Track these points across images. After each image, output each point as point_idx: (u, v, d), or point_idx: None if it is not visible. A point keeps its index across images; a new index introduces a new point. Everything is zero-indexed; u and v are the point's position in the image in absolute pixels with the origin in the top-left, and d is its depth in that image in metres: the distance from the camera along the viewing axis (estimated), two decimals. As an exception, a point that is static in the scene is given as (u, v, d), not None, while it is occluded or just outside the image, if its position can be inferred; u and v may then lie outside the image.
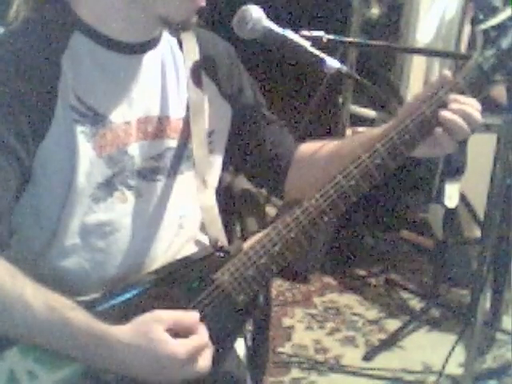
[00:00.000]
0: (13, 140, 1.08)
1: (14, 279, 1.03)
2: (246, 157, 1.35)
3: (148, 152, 1.19)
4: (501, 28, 1.11)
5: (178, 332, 1.05)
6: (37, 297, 1.03)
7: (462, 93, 1.13)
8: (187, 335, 1.06)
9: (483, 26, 1.12)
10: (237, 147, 1.34)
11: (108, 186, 1.16)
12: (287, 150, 1.34)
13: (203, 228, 1.29)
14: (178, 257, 1.23)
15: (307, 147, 1.35)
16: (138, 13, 1.13)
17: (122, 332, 1.04)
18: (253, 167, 1.36)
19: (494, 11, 1.11)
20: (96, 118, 1.14)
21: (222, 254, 1.18)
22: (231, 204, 1.52)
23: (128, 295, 1.14)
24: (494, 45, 1.12)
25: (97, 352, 1.03)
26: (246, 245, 1.17)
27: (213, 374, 1.13)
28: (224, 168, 1.36)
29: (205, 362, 1.06)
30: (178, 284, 1.15)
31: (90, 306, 1.09)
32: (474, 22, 1.11)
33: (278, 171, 1.34)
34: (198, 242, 1.30)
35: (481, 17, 1.11)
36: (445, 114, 1.12)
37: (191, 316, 1.08)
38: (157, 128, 1.20)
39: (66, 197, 1.13)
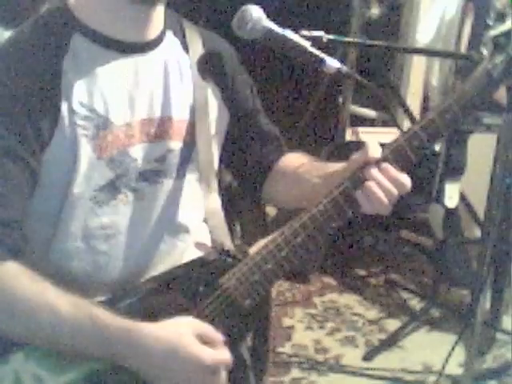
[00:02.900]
0: (20, 147, 1.08)
1: (35, 283, 1.04)
2: (231, 159, 1.36)
3: (151, 154, 1.19)
4: (510, 34, 1.12)
5: (204, 342, 1.07)
6: (60, 297, 1.03)
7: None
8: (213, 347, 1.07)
9: (493, 33, 1.12)
10: (226, 148, 1.34)
11: (111, 189, 1.15)
12: (268, 158, 1.35)
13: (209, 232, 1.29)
14: (182, 259, 1.23)
15: (291, 160, 1.35)
16: (114, 2, 1.13)
17: (151, 328, 1.04)
18: (235, 169, 1.39)
19: (502, 17, 1.12)
20: (97, 120, 1.13)
21: (228, 259, 1.18)
22: (231, 204, 1.52)
23: (133, 299, 1.14)
24: (503, 51, 1.12)
25: (124, 346, 1.03)
26: (253, 250, 1.17)
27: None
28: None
29: (223, 379, 1.08)
30: (184, 288, 1.15)
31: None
32: (479, 25, 1.12)
33: (255, 178, 1.36)
34: (203, 246, 1.30)
35: (490, 23, 1.11)
36: (360, 195, 1.11)
37: (218, 335, 1.09)
38: (159, 129, 1.20)
39: (65, 199, 1.13)
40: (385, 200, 1.09)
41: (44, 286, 1.04)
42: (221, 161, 1.37)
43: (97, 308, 1.04)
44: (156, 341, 1.03)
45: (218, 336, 1.09)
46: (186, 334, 1.05)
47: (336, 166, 1.21)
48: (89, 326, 1.02)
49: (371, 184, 1.09)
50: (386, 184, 1.09)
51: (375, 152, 1.11)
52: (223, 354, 1.08)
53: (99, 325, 1.02)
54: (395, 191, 1.10)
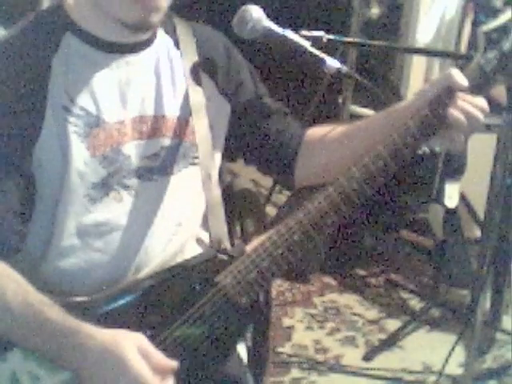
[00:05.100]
0: (8, 147, 1.09)
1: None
2: (253, 149, 1.34)
3: (144, 151, 1.20)
4: (503, 30, 1.12)
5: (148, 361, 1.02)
6: (17, 294, 1.04)
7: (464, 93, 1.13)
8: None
9: (485, 28, 1.12)
10: (242, 140, 1.33)
11: (104, 186, 1.16)
12: (293, 136, 1.33)
13: (204, 225, 1.29)
14: (177, 255, 1.24)
15: (315, 132, 1.34)
16: (105, 17, 1.14)
17: (93, 329, 1.03)
18: (261, 158, 1.35)
19: (495, 13, 1.12)
20: (89, 118, 1.14)
21: (224, 257, 1.17)
22: (231, 204, 1.52)
23: (130, 297, 1.14)
24: (495, 47, 1.12)
25: (64, 342, 1.02)
26: (249, 247, 1.17)
27: (215, 376, 1.13)
28: (232, 161, 1.37)
29: None
30: (181, 286, 1.15)
31: (91, 308, 1.10)
32: (476, 23, 1.12)
33: (286, 159, 1.33)
34: (199, 240, 1.30)
35: (482, 18, 1.12)
36: (452, 112, 1.12)
37: (168, 361, 1.04)
38: (152, 127, 1.20)
39: (59, 197, 1.13)
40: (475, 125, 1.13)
41: (6, 282, 1.05)
42: (243, 157, 1.36)
43: (47, 306, 1.04)
44: (94, 340, 1.02)
45: (166, 363, 1.04)
46: (128, 343, 1.01)
47: (395, 108, 1.22)
48: (35, 322, 1.03)
49: (463, 105, 1.12)
50: (472, 109, 1.12)
51: (462, 79, 1.13)
52: (151, 378, 1.00)
53: (44, 322, 1.03)
54: (481, 116, 1.13)
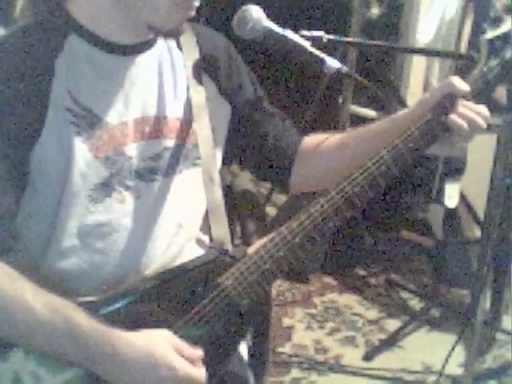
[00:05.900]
0: (6, 145, 1.09)
1: (14, 283, 1.04)
2: (249, 152, 1.34)
3: (146, 152, 1.19)
4: (505, 38, 1.13)
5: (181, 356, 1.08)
6: (37, 298, 1.03)
7: (466, 100, 1.15)
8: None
9: (488, 36, 1.14)
10: (239, 143, 1.33)
11: (105, 187, 1.16)
12: (291, 142, 1.34)
13: (204, 227, 1.29)
14: (178, 256, 1.23)
15: (312, 139, 1.35)
16: (127, 18, 1.14)
17: (127, 335, 1.05)
18: (257, 162, 1.36)
19: (497, 21, 1.13)
20: (92, 119, 1.14)
21: (226, 259, 1.18)
22: (231, 204, 1.52)
23: (132, 298, 1.14)
24: (498, 55, 1.14)
25: (98, 351, 1.03)
26: (251, 249, 1.17)
27: (217, 378, 1.14)
28: (227, 164, 1.36)
29: None
30: (183, 288, 1.15)
31: (92, 309, 1.10)
32: (477, 29, 1.14)
33: (283, 164, 1.34)
34: (199, 242, 1.30)
35: (483, 24, 1.13)
36: (453, 118, 1.14)
37: (197, 352, 1.10)
38: (154, 128, 1.20)
39: (61, 198, 1.13)
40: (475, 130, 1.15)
41: (22, 285, 1.04)
42: (239, 161, 1.37)
43: (74, 311, 1.04)
44: (132, 348, 1.04)
45: (195, 353, 1.10)
46: (162, 343, 1.06)
47: (395, 117, 1.24)
48: (64, 329, 1.03)
49: (465, 111, 1.14)
50: (474, 116, 1.14)
51: (464, 86, 1.15)
52: (198, 372, 1.08)
53: (74, 329, 1.03)
54: (482, 123, 1.14)
